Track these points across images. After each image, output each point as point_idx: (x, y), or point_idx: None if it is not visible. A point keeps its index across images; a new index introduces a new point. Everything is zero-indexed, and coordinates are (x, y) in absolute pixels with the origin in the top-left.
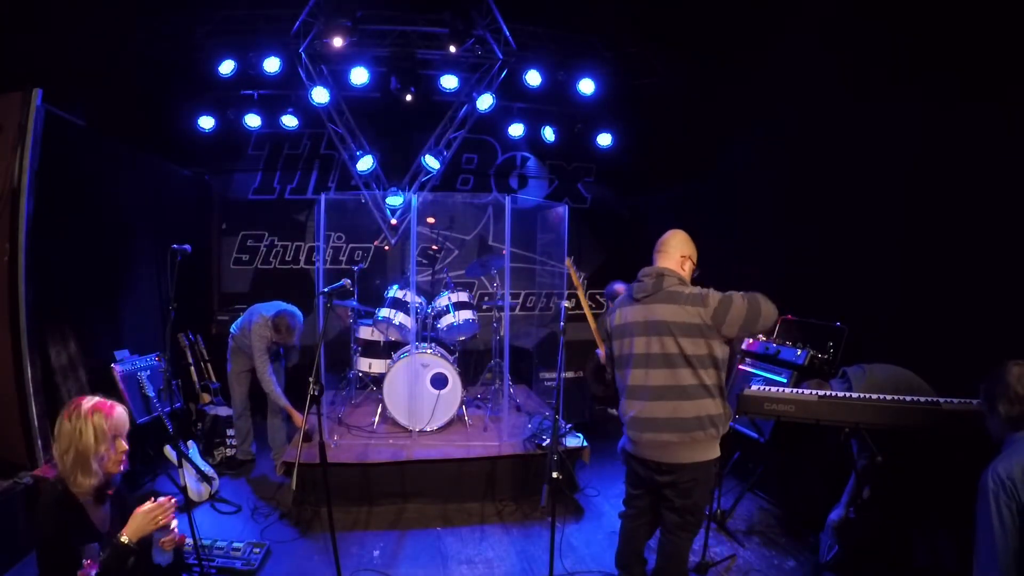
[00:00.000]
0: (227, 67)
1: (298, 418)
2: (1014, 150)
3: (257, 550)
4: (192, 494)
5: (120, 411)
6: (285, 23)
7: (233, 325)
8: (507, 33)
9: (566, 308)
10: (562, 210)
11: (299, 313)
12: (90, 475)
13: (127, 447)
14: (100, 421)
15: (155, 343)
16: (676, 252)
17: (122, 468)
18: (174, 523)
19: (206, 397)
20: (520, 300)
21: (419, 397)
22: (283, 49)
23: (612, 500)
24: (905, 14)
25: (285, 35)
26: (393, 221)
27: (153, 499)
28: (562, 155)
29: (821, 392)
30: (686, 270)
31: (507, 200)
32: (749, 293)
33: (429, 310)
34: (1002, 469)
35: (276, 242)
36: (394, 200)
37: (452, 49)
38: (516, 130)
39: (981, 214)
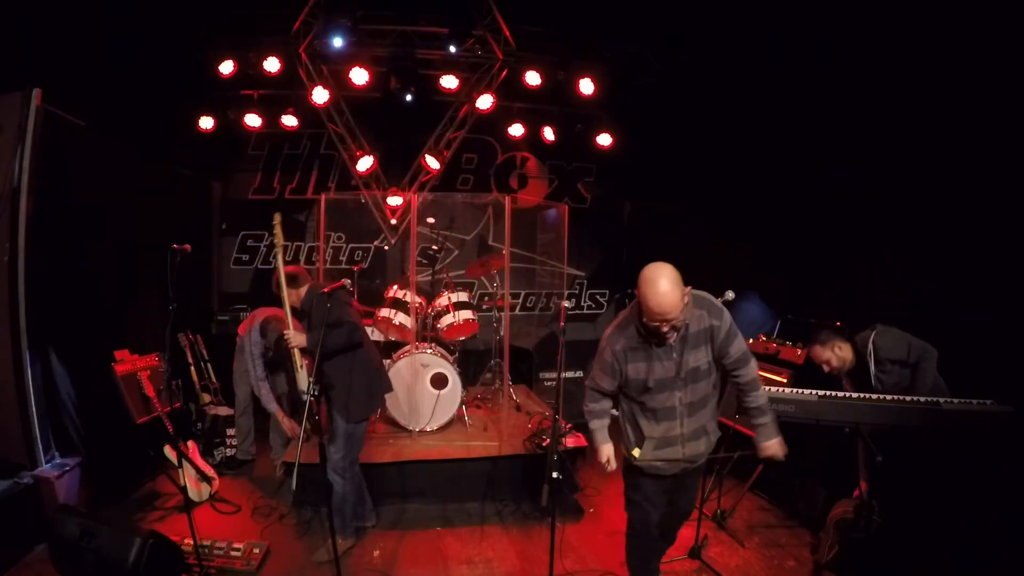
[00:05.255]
0: (227, 67)
1: (287, 425)
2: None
3: (257, 550)
4: (192, 494)
5: None
6: (285, 23)
7: (242, 324)
8: (507, 33)
9: (566, 308)
10: (562, 210)
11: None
12: None
13: None
14: None
15: (155, 343)
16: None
17: None
18: None
19: (206, 397)
20: (520, 300)
21: (419, 397)
22: (283, 49)
23: (612, 500)
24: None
25: (285, 35)
26: (393, 221)
27: None
28: (562, 155)
29: (821, 392)
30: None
31: (507, 200)
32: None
33: (429, 310)
34: None
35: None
36: (394, 200)
37: (452, 49)
38: (516, 130)
39: (977, 215)
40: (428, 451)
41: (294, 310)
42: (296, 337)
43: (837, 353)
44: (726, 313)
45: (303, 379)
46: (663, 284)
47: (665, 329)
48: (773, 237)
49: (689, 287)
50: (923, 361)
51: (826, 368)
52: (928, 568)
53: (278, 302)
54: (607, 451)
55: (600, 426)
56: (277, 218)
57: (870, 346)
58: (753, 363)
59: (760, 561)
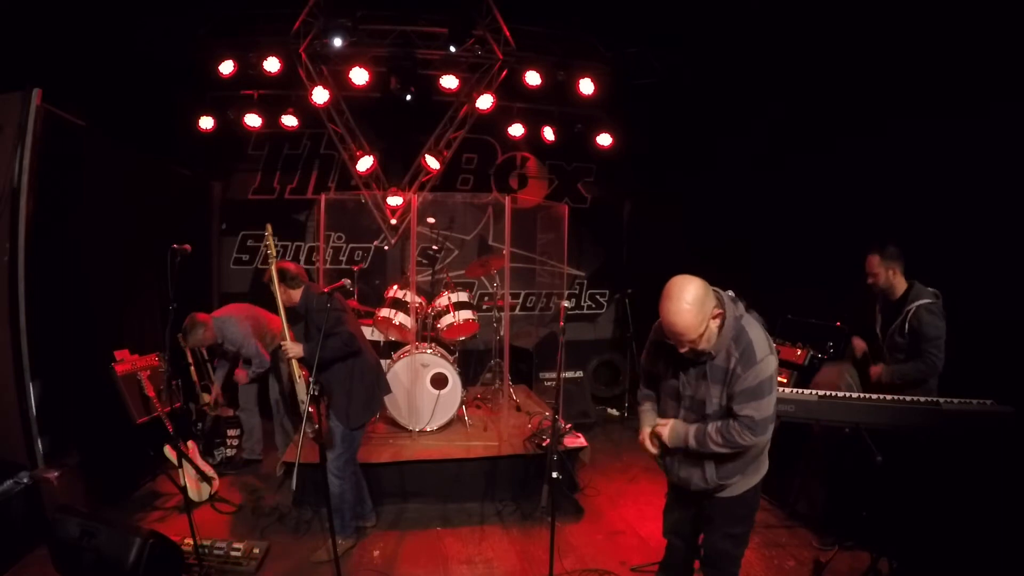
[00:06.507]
0: (227, 67)
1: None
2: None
3: (257, 550)
4: (192, 494)
5: None
6: (285, 23)
7: None
8: (507, 33)
9: (566, 308)
10: (562, 210)
11: (198, 320)
12: None
13: None
14: None
15: (155, 343)
16: None
17: None
18: None
19: (206, 397)
20: (520, 300)
21: (419, 397)
22: (283, 49)
23: (612, 500)
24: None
25: (285, 35)
26: (393, 221)
27: None
28: (562, 155)
29: (821, 392)
30: None
31: (507, 200)
32: None
33: (429, 310)
34: None
35: (276, 242)
36: (394, 200)
37: (452, 49)
38: (516, 130)
39: (977, 215)
40: (428, 451)
41: (288, 311)
42: (293, 348)
43: (889, 276)
44: (762, 369)
45: (301, 389)
46: (680, 302)
47: (683, 350)
48: (773, 237)
49: (723, 312)
50: (922, 359)
51: (869, 279)
52: (928, 568)
53: (273, 303)
54: (644, 435)
55: (646, 409)
56: (269, 229)
57: (913, 306)
58: (759, 439)
59: (760, 561)
